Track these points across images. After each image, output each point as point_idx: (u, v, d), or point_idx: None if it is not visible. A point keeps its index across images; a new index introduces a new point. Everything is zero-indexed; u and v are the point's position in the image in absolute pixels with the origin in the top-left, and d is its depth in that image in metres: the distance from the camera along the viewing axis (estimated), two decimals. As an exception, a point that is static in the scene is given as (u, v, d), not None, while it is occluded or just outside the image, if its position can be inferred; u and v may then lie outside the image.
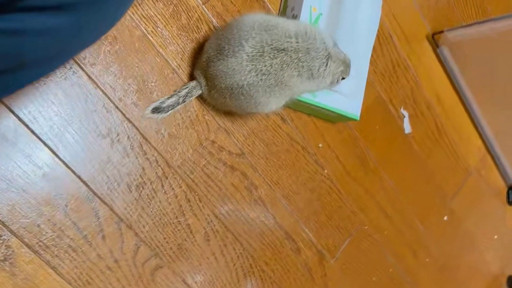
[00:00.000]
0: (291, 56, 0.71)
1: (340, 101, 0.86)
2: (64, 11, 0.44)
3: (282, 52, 0.71)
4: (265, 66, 0.70)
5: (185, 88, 0.76)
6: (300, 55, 0.72)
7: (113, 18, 0.53)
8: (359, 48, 0.88)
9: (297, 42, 0.72)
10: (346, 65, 0.80)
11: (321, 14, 0.84)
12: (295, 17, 0.83)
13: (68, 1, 0.43)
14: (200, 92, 0.76)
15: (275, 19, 0.74)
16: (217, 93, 0.75)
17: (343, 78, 0.81)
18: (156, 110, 0.75)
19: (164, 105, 0.75)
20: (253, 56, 0.70)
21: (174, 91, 0.76)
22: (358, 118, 0.88)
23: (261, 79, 0.70)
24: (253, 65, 0.70)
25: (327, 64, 0.75)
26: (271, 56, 0.70)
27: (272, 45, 0.70)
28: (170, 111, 0.76)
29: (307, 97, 0.83)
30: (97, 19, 0.49)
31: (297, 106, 0.89)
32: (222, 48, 0.71)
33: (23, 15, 0.42)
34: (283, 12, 0.88)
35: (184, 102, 0.76)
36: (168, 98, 0.75)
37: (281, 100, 0.76)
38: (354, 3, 0.87)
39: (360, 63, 0.88)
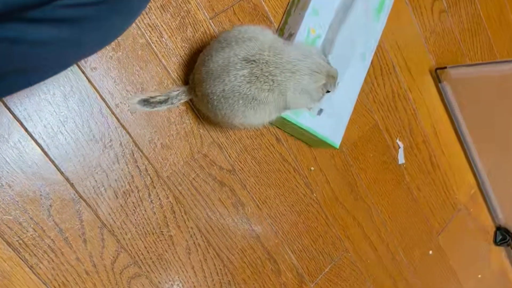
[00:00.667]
0: (261, 69, 0.69)
1: (323, 126, 0.86)
2: (67, 24, 0.45)
3: (252, 64, 0.69)
4: (229, 77, 0.69)
5: (177, 91, 0.77)
6: (271, 68, 0.69)
7: (117, 31, 0.53)
8: (349, 75, 0.88)
9: (269, 55, 0.69)
10: (330, 77, 0.75)
11: (319, 36, 0.85)
12: (291, 35, 0.84)
13: (73, 16, 0.44)
14: (189, 97, 0.77)
15: (257, 33, 0.73)
16: (197, 100, 0.76)
17: (327, 92, 0.77)
18: (142, 102, 0.75)
19: (153, 100, 0.75)
20: (219, 66, 0.70)
21: (166, 91, 0.77)
22: (338, 147, 0.89)
23: (223, 90, 0.70)
24: (218, 75, 0.70)
25: (294, 79, 0.71)
26: (238, 67, 0.69)
27: (240, 56, 0.69)
28: (156, 108, 0.75)
29: (290, 116, 0.82)
30: (101, 33, 0.50)
31: (280, 125, 0.89)
32: (202, 58, 0.74)
33: (26, 25, 0.42)
34: (282, 29, 0.88)
35: (172, 104, 0.76)
36: (158, 95, 0.76)
37: (250, 115, 0.72)
38: (350, 34, 0.87)
39: (348, 92, 0.88)
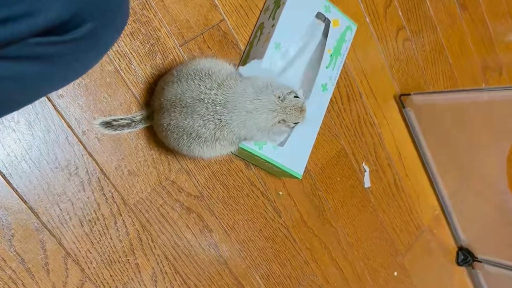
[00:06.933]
0: (207, 108, 0.69)
1: (286, 157, 0.87)
2: (39, 61, 0.45)
3: (197, 102, 0.69)
4: (174, 112, 0.70)
5: (141, 115, 0.77)
6: (218, 108, 0.69)
7: (88, 66, 0.54)
8: (310, 106, 0.89)
9: (216, 94, 0.69)
10: (293, 111, 0.74)
11: (281, 69, 0.86)
12: None
13: (45, 53, 0.44)
14: (152, 123, 0.78)
15: (213, 69, 0.72)
16: (155, 126, 0.77)
17: (296, 123, 0.77)
18: (105, 124, 0.74)
19: (115, 123, 0.75)
20: (167, 101, 0.71)
21: (130, 114, 0.77)
22: (301, 177, 0.90)
23: (169, 123, 0.71)
24: (166, 109, 0.71)
25: (244, 118, 0.71)
26: (183, 104, 0.69)
27: (186, 94, 0.70)
28: (118, 131, 0.75)
29: (251, 147, 0.82)
30: (71, 68, 0.50)
31: (242, 155, 0.89)
32: (158, 88, 0.75)
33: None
34: (244, 62, 0.89)
35: (135, 128, 0.77)
36: (122, 118, 0.76)
37: (195, 150, 0.72)
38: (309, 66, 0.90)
39: (311, 123, 0.89)
